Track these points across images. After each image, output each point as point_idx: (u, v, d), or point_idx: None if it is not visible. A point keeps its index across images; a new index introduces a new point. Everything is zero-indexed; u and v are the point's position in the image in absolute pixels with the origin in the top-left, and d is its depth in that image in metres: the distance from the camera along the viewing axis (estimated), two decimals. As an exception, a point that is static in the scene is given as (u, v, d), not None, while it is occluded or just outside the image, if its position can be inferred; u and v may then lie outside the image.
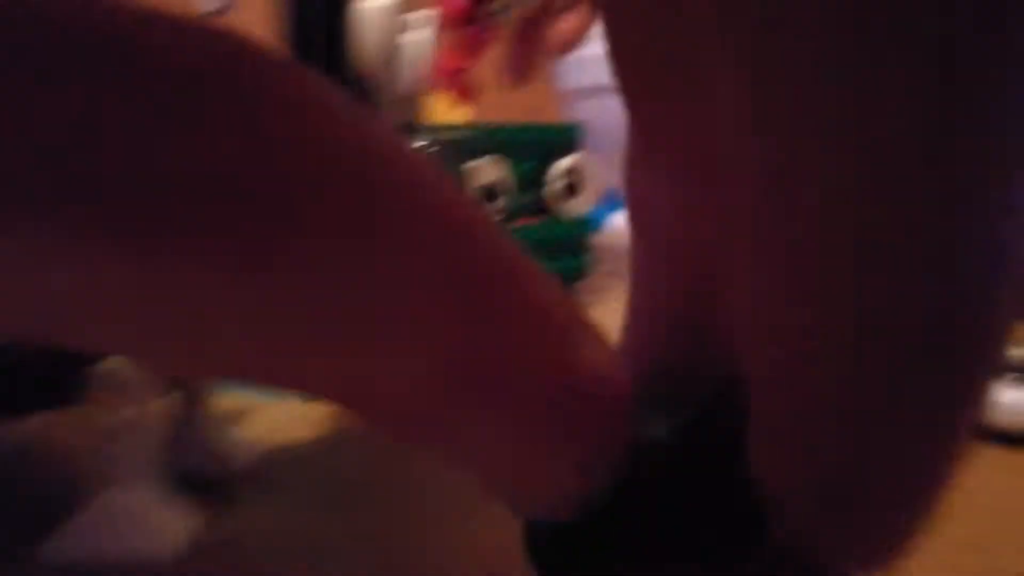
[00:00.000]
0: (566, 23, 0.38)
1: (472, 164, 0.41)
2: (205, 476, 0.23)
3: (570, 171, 0.45)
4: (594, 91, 0.52)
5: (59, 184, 0.11)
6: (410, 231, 0.12)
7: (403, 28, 0.18)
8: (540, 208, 0.46)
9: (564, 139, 0.46)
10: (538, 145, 0.45)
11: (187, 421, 0.23)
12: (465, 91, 0.43)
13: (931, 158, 0.10)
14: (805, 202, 0.10)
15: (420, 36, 0.19)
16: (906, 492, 0.12)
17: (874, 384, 0.11)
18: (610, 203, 0.99)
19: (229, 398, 0.30)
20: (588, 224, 0.46)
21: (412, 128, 0.20)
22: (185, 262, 0.11)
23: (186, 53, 0.11)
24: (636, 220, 0.15)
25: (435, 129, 0.40)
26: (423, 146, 0.23)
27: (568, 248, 0.45)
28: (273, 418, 0.29)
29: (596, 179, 0.46)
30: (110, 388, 0.18)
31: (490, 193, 0.42)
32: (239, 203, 0.11)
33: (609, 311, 0.51)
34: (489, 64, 0.42)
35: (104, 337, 0.13)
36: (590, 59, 0.97)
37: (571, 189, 0.46)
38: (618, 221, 0.93)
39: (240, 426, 0.28)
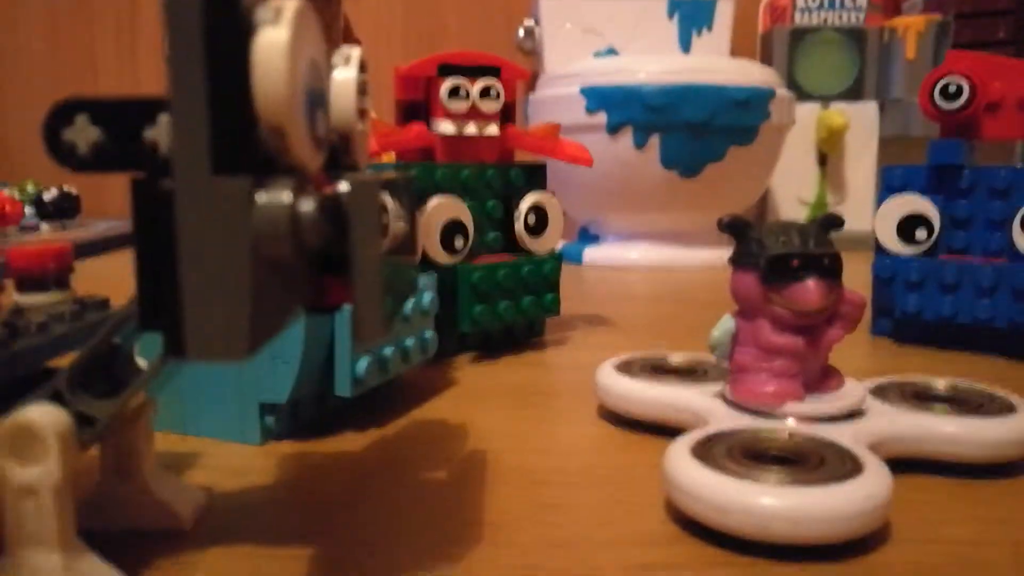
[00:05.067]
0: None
1: (434, 201, 0.40)
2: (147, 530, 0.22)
3: (535, 208, 0.45)
4: (565, 130, 0.51)
5: None
6: None
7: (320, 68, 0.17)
8: (509, 246, 0.46)
9: (528, 177, 0.46)
10: (502, 183, 0.45)
11: (119, 471, 0.22)
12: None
13: None
14: None
15: (345, 75, 0.18)
16: None
17: None
18: (584, 239, 0.98)
19: (175, 440, 0.29)
20: (556, 261, 0.46)
21: (357, 166, 0.20)
22: None
23: None
24: None
25: (388, 167, 0.39)
26: (385, 182, 0.23)
27: (538, 285, 0.45)
28: (225, 462, 0.28)
29: (562, 216, 0.46)
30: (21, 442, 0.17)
31: (453, 229, 0.41)
32: None
33: (574, 348, 0.50)
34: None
35: None
36: (560, 99, 0.98)
37: (538, 226, 0.45)
38: (592, 256, 0.93)
39: (188, 472, 0.27)
